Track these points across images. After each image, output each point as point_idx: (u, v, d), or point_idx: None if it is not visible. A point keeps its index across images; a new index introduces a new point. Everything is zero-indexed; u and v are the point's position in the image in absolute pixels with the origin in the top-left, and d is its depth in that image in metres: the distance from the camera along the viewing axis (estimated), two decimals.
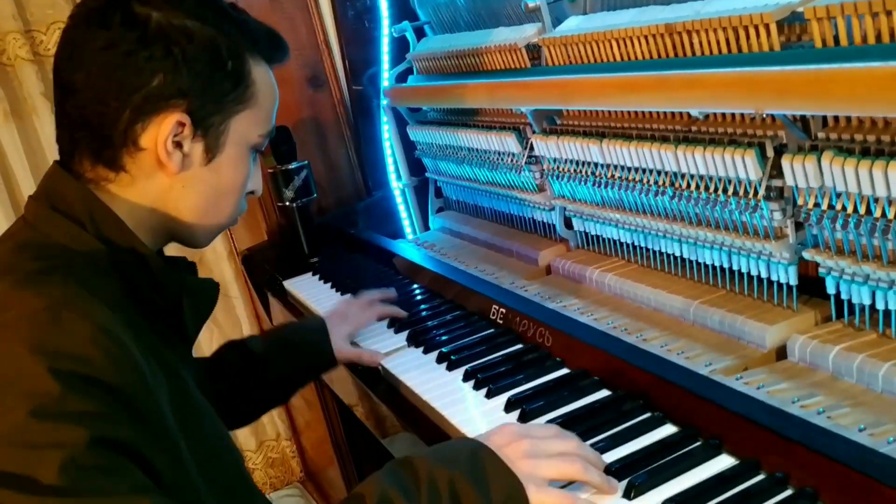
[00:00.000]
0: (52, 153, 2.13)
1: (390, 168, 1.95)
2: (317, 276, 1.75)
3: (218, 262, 2.40)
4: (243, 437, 2.54)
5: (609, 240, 1.34)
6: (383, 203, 1.97)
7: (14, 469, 0.65)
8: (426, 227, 1.95)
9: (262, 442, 2.57)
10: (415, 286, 1.55)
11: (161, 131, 0.82)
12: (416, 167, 1.91)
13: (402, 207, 1.96)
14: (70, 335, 0.71)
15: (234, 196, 0.92)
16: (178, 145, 0.84)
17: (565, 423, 0.93)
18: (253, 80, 0.88)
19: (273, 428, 2.58)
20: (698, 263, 1.16)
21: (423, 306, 1.44)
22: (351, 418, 1.90)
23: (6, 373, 0.69)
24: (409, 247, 1.77)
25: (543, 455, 0.82)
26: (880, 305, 0.91)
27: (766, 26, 0.92)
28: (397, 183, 1.95)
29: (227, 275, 2.41)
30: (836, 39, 0.84)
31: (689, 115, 1.07)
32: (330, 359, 1.28)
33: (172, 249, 0.96)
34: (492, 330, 1.26)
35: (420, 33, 1.80)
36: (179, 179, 0.86)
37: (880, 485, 0.69)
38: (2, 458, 0.66)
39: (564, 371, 1.09)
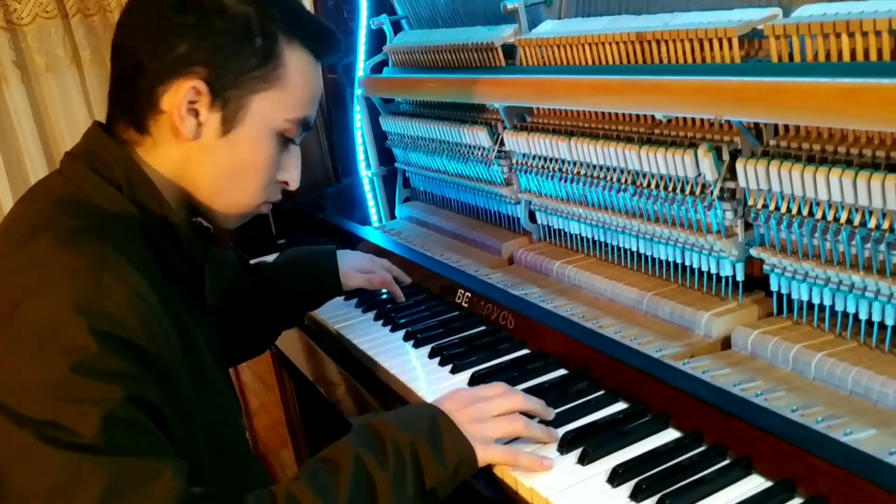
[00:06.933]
0: (19, 123, 2.14)
1: (360, 156, 2.00)
2: None
3: None
4: None
5: (570, 234, 1.42)
6: (351, 190, 2.02)
7: (56, 419, 0.69)
8: (392, 216, 2.00)
9: None
10: None
11: (178, 95, 0.86)
12: (385, 157, 1.96)
13: (369, 195, 2.01)
14: (109, 297, 0.75)
15: (253, 177, 0.92)
16: (196, 113, 0.87)
17: None
18: (284, 62, 0.89)
19: None
20: (653, 258, 1.24)
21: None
22: (307, 400, 1.94)
23: (50, 327, 0.72)
24: (377, 233, 1.82)
25: (489, 418, 0.90)
26: (816, 300, 1.00)
27: (729, 40, 1.00)
28: (366, 171, 1.99)
29: None
30: (791, 56, 0.93)
31: (653, 118, 1.14)
32: (334, 283, 1.32)
33: None
34: (456, 312, 1.33)
35: (397, 27, 1.85)
36: (195, 149, 0.88)
37: (810, 454, 0.78)
38: (45, 409, 0.70)
39: (525, 351, 1.16)
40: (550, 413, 0.96)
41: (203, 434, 0.86)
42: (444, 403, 0.91)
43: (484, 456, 0.87)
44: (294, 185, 0.97)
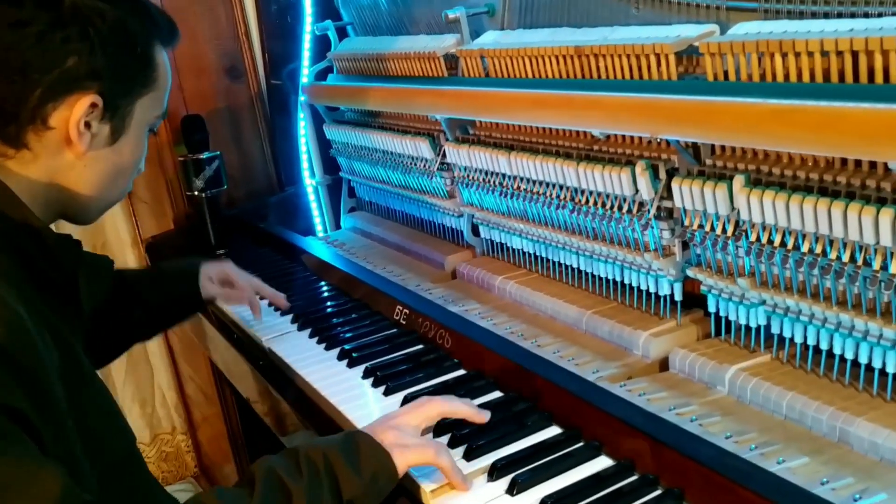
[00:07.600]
0: None
1: (304, 165, 1.95)
2: None
3: (122, 248, 2.34)
4: (137, 429, 2.48)
5: (513, 248, 1.39)
6: (295, 199, 1.97)
7: None
8: (337, 226, 1.96)
9: (156, 435, 2.51)
10: (322, 283, 1.56)
11: (74, 112, 0.83)
12: (330, 165, 1.92)
13: (314, 205, 1.96)
14: None
15: (129, 174, 0.94)
16: (87, 126, 0.84)
17: (457, 421, 0.96)
18: (157, 63, 0.91)
19: (168, 422, 2.53)
20: (593, 276, 1.22)
21: (328, 304, 1.45)
22: (249, 414, 1.89)
23: None
24: (319, 244, 1.77)
25: (409, 426, 0.89)
26: (753, 323, 0.98)
27: (666, 56, 0.98)
28: (311, 180, 1.95)
29: (130, 261, 2.35)
30: (726, 74, 0.91)
31: (591, 134, 1.12)
32: (193, 291, 1.33)
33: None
34: (394, 330, 1.29)
35: (342, 33, 1.82)
36: (83, 158, 0.87)
37: (740, 486, 0.76)
38: None
39: (461, 372, 1.13)
40: (483, 416, 0.95)
41: (84, 444, 0.81)
42: (365, 427, 0.90)
43: (402, 460, 0.85)
44: (143, 168, 0.98)
